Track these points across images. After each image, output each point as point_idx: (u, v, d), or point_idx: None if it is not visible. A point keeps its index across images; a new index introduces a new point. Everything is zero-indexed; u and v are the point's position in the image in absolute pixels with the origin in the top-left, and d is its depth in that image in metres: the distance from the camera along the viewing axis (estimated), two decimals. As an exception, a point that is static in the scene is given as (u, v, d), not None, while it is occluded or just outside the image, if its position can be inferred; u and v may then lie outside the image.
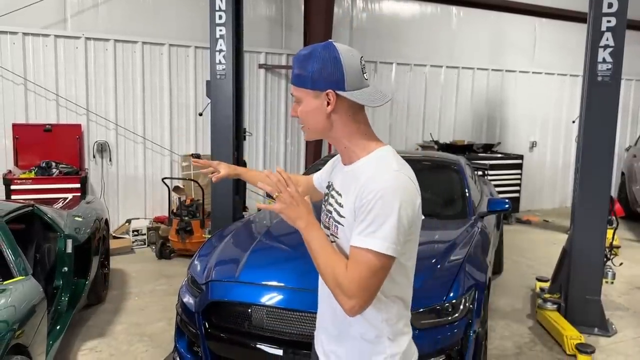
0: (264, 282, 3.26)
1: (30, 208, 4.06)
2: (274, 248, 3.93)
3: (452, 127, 9.83)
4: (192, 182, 6.98)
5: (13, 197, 6.02)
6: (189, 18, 7.40)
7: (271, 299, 3.14)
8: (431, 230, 3.94)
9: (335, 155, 1.81)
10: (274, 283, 3.24)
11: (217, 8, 5.52)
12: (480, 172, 6.78)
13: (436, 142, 9.11)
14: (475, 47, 9.71)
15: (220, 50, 5.55)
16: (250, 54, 7.85)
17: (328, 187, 1.72)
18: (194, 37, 7.36)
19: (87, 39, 6.91)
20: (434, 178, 5.06)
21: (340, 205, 1.57)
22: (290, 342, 3.01)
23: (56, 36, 6.74)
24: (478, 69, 9.83)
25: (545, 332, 4.69)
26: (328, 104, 1.52)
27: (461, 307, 3.10)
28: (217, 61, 5.57)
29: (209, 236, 5.30)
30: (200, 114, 6.70)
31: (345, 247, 1.51)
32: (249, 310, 3.14)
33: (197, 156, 7.40)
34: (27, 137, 6.57)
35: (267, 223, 4.26)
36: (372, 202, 1.40)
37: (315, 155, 8.21)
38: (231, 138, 5.62)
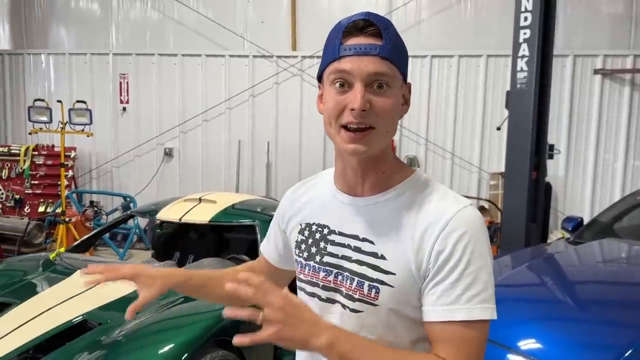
0: (510, 343, 2.44)
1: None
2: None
3: None
4: (488, 202, 6.41)
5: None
6: (508, 25, 6.82)
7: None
8: None
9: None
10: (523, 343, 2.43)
11: (523, 9, 4.94)
12: None
13: None
14: None
15: (523, 56, 4.92)
16: (584, 58, 6.74)
17: (310, 229, 1.17)
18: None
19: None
20: None
21: (376, 256, 1.06)
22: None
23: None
24: None
25: None
26: (405, 102, 1.10)
27: None
28: (519, 68, 4.95)
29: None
30: (498, 128, 6.07)
31: (394, 316, 1.06)
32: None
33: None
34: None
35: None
36: (463, 250, 1.00)
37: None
38: (529, 155, 4.90)
